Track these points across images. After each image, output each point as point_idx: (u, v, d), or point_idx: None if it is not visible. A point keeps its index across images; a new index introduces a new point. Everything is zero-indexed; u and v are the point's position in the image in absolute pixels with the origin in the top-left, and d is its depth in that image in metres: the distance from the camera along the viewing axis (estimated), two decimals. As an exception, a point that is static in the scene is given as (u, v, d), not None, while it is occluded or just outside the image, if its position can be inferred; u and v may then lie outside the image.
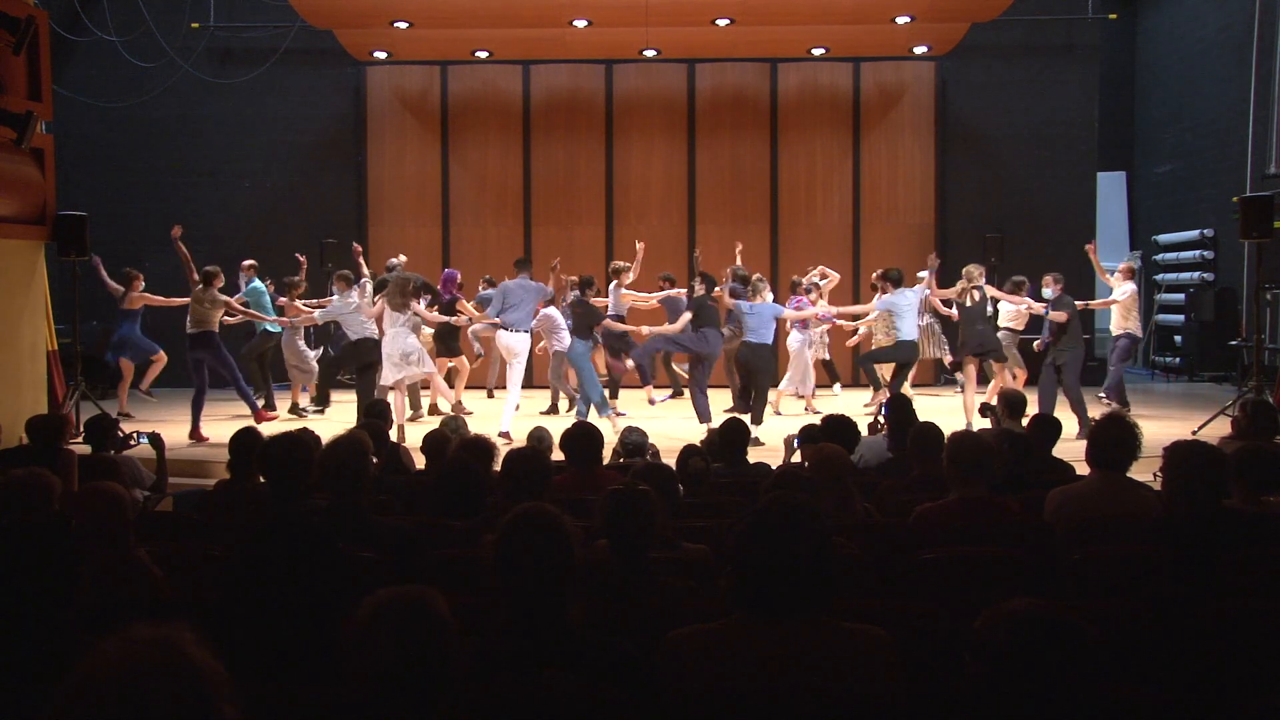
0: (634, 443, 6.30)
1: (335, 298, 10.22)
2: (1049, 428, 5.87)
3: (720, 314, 9.75)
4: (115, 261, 12.75)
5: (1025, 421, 6.46)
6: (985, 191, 14.01)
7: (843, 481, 4.26)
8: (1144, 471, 4.41)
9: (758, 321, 9.36)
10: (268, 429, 5.41)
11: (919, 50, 13.05)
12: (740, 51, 13.38)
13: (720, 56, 13.77)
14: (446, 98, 14.19)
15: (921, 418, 5.72)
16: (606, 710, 2.21)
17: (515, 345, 9.59)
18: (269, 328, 11.14)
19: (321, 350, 11.40)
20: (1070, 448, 8.24)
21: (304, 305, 10.99)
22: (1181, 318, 14.58)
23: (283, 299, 11.06)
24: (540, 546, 2.40)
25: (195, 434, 9.46)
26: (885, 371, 10.87)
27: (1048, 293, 9.68)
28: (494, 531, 2.53)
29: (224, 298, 9.93)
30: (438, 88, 14.17)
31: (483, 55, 13.25)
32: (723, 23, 11.74)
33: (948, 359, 11.95)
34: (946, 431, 4.74)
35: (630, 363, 10.67)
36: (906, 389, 10.41)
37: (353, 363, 10.21)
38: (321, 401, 11.12)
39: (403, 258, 11.59)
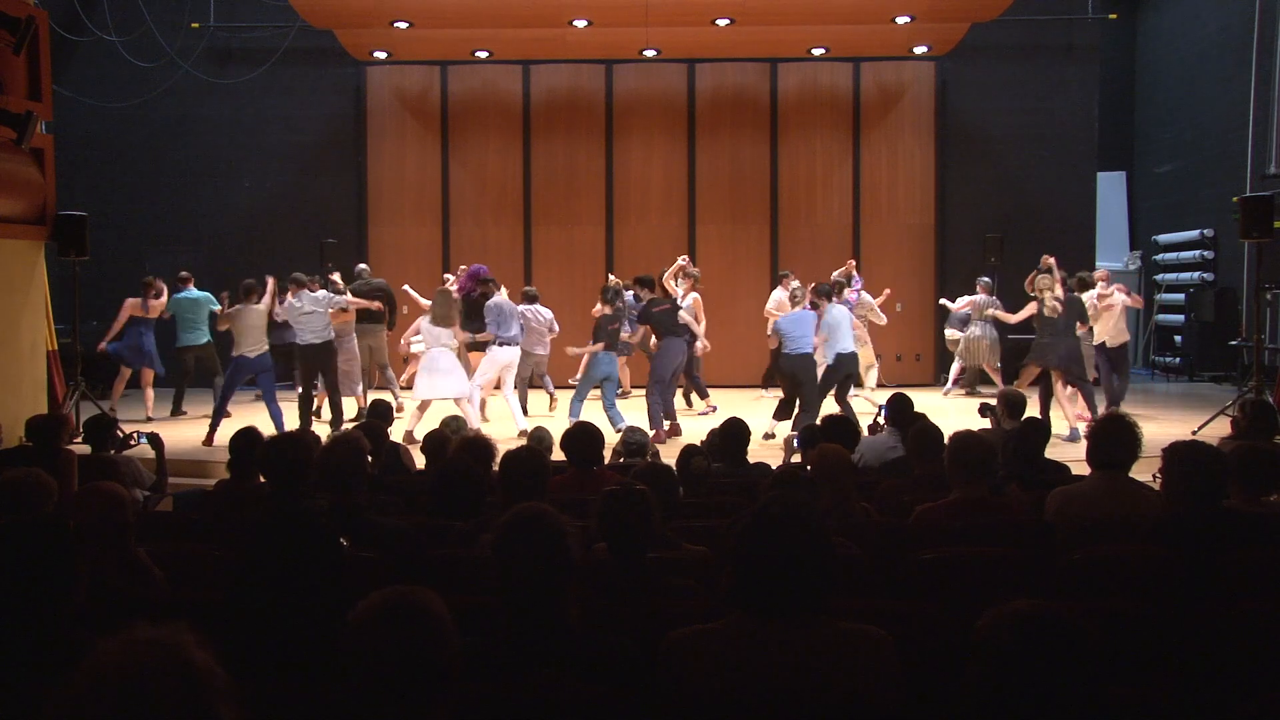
0: (635, 443, 6.30)
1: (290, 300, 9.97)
2: (1039, 429, 5.86)
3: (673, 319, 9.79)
4: (115, 261, 12.82)
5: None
6: (985, 191, 14.01)
7: (843, 481, 4.26)
8: (1144, 472, 4.41)
9: (799, 331, 9.35)
10: (265, 429, 5.40)
11: (919, 50, 13.05)
12: (740, 51, 13.38)
13: (720, 56, 13.77)
14: (446, 98, 14.19)
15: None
16: (606, 710, 2.21)
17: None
18: (200, 337, 11.13)
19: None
20: (1067, 449, 8.26)
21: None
22: (1181, 318, 14.58)
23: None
24: (537, 546, 2.40)
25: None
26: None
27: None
28: (492, 531, 2.53)
29: (263, 308, 9.79)
30: (438, 88, 14.17)
31: (483, 55, 13.25)
32: (723, 23, 11.74)
33: (996, 372, 12.00)
34: (947, 432, 4.74)
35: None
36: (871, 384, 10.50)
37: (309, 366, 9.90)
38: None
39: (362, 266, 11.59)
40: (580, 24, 11.77)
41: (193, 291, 11.20)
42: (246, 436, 5.08)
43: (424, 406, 9.51)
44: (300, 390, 10.05)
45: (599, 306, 10.22)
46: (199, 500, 5.65)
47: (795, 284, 10.29)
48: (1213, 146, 14.27)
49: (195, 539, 4.23)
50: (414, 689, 1.87)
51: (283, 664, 2.38)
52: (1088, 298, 10.01)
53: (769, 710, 2.22)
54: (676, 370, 9.77)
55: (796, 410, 9.17)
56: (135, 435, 6.67)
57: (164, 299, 10.91)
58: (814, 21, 12.14)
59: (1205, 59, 14.52)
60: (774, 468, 5.72)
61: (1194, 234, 14.47)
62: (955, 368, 12.50)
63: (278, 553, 2.51)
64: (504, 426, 9.71)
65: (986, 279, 12.22)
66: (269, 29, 13.32)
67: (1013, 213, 13.89)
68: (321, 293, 9.97)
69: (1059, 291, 9.51)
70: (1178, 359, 14.65)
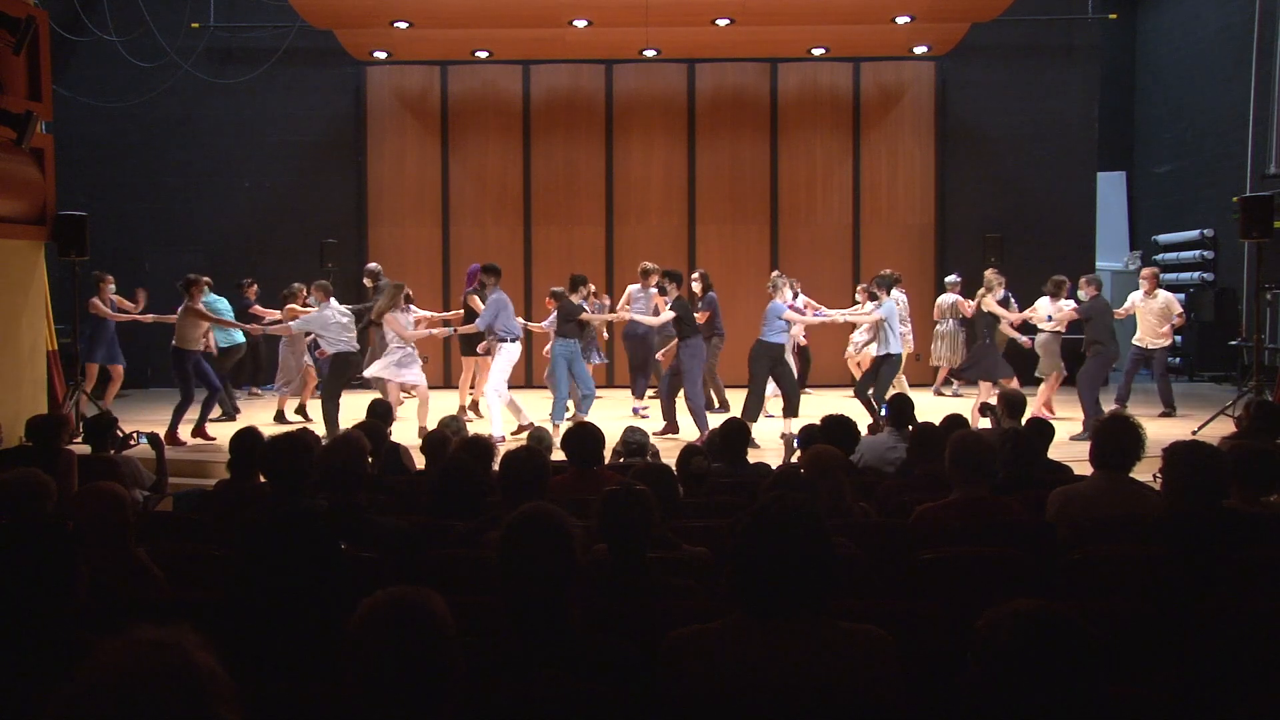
0: (635, 443, 6.30)
1: (313, 308, 9.70)
2: (1044, 429, 5.87)
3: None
4: (115, 262, 12.80)
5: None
6: (985, 191, 14.01)
7: (836, 481, 4.25)
8: (1144, 472, 4.41)
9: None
10: (268, 429, 5.40)
11: (919, 50, 13.05)
12: (740, 51, 13.38)
13: (720, 56, 13.77)
14: (446, 98, 14.19)
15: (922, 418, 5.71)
16: (606, 710, 2.21)
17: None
18: (236, 337, 11.13)
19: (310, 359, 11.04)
20: (1068, 449, 8.25)
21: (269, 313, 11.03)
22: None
23: (291, 305, 10.99)
24: (543, 547, 2.40)
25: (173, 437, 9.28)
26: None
27: (1082, 295, 9.89)
28: (496, 531, 2.53)
29: (197, 307, 9.64)
30: (438, 88, 14.17)
31: (483, 55, 13.25)
32: (723, 23, 11.74)
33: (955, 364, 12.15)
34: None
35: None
36: (905, 389, 10.46)
37: (334, 377, 9.59)
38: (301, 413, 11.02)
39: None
40: (580, 24, 11.77)
41: (208, 295, 11.17)
42: (246, 436, 5.08)
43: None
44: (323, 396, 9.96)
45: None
46: (199, 500, 5.66)
47: (775, 274, 10.36)
48: (1213, 146, 14.27)
49: (195, 539, 4.23)
50: (416, 689, 1.87)
51: (283, 665, 2.38)
52: (1055, 306, 10.26)
53: (769, 710, 2.22)
54: (703, 367, 9.92)
55: (760, 398, 9.53)
56: (135, 435, 6.67)
57: (99, 297, 10.68)
58: (814, 21, 12.14)
59: (1205, 59, 14.52)
60: (774, 468, 5.73)
61: (1194, 234, 14.47)
62: (940, 368, 12.65)
63: (278, 553, 2.51)
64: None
65: (954, 278, 12.29)
66: (269, 29, 13.31)
67: (1013, 213, 13.90)
68: (346, 311, 9.78)
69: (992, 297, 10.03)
70: (1178, 359, 14.64)
